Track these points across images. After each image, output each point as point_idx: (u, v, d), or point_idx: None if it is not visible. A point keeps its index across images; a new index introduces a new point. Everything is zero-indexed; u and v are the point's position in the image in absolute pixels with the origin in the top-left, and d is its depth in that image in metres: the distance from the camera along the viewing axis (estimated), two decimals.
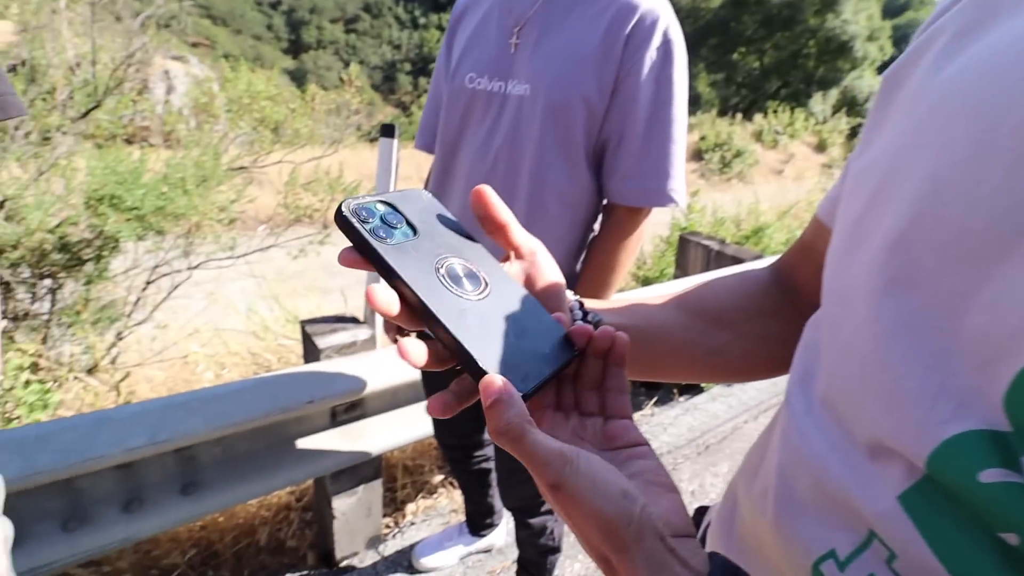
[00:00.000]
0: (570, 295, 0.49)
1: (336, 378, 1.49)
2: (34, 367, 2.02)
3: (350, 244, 0.35)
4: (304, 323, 1.65)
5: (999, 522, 0.24)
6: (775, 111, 16.40)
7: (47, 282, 2.39)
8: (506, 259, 0.44)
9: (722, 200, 4.87)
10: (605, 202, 1.18)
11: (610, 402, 0.36)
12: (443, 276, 0.35)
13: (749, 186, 10.95)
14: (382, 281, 0.35)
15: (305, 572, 1.78)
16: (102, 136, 2.99)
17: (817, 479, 0.32)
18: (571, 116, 1.04)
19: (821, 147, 16.83)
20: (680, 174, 1.09)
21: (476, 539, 1.77)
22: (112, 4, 3.26)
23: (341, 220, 0.35)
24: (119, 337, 2.41)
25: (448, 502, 2.09)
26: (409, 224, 0.37)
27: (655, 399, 2.80)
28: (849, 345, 0.32)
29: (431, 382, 1.45)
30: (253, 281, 2.60)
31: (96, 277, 2.35)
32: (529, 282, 0.43)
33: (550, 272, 0.44)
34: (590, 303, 0.52)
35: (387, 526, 2.00)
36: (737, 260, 2.92)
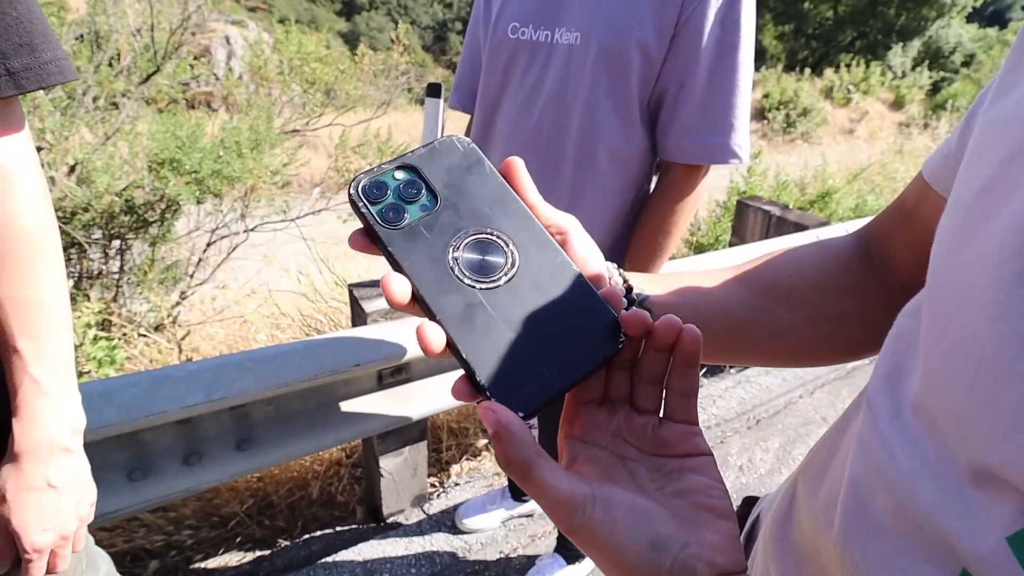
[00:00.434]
0: (612, 269, 0.44)
1: (382, 342, 1.51)
2: (106, 324, 2.15)
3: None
4: (352, 287, 1.67)
5: None
6: (848, 65, 15.24)
7: (116, 243, 2.52)
8: None
9: (785, 162, 4.60)
10: (659, 160, 1.10)
11: (672, 402, 0.31)
12: (456, 261, 0.31)
13: (815, 147, 10.31)
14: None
15: (354, 526, 1.86)
16: (163, 101, 3.08)
17: (900, 501, 0.27)
18: (626, 65, 0.95)
19: (898, 104, 15.58)
20: (744, 128, 1.00)
21: (518, 504, 1.79)
22: None
23: (350, 202, 0.32)
24: (183, 296, 2.52)
25: (492, 465, 2.12)
26: (431, 192, 0.33)
27: (705, 370, 2.72)
28: (961, 345, 0.26)
29: None
30: (305, 244, 2.65)
31: (160, 238, 2.45)
32: None
33: (586, 253, 0.39)
34: (636, 279, 0.47)
35: (432, 485, 2.05)
36: (800, 227, 2.76)
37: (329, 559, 1.67)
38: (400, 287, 0.30)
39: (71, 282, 2.34)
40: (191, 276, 2.56)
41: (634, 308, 0.32)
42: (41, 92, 2.38)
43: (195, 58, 3.13)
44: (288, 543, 1.79)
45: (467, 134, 1.29)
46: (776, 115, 11.85)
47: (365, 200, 0.32)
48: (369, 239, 0.32)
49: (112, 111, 2.65)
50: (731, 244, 3.10)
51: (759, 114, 12.18)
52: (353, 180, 0.33)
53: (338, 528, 1.85)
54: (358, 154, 2.82)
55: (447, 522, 1.81)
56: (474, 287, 0.31)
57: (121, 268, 2.46)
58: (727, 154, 0.98)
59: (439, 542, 1.74)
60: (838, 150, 8.18)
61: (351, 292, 1.66)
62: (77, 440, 0.64)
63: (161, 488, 1.30)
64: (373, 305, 1.57)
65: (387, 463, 1.75)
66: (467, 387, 0.30)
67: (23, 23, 0.54)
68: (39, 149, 2.36)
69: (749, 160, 1.10)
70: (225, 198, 2.58)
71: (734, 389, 2.61)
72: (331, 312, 2.16)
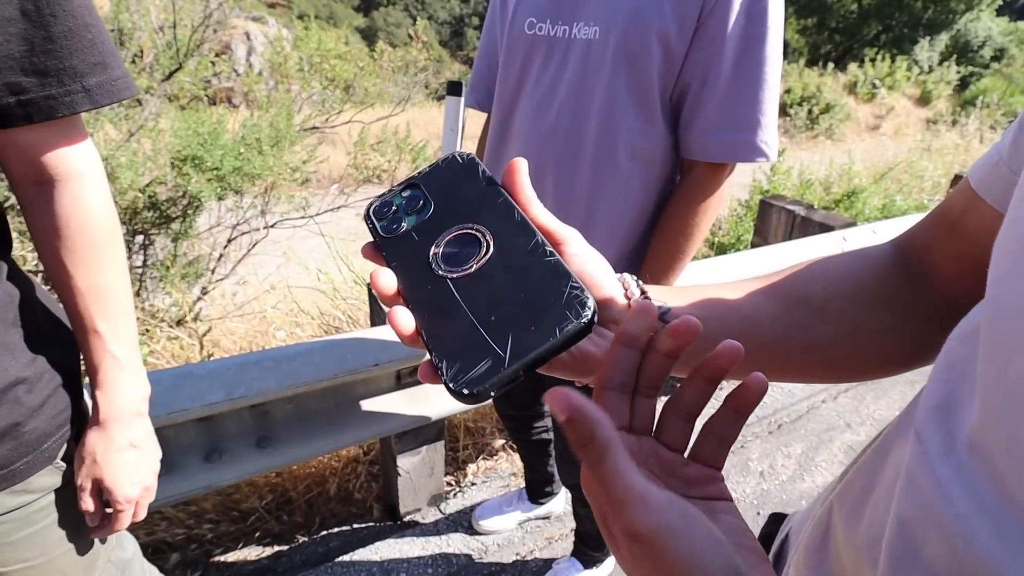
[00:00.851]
0: (629, 280, 0.42)
1: (401, 343, 1.50)
2: None
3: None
4: (371, 286, 1.67)
5: None
6: (872, 60, 14.91)
7: (139, 238, 2.55)
8: None
9: (809, 160, 4.51)
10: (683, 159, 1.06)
11: (707, 446, 0.29)
12: (435, 257, 0.34)
13: (839, 144, 10.12)
14: None
15: (371, 524, 1.86)
16: (185, 98, 3.11)
17: (955, 547, 0.25)
18: (646, 59, 0.91)
19: (924, 100, 15.20)
20: (772, 125, 0.95)
21: (535, 506, 1.78)
22: None
23: (365, 221, 0.37)
24: (204, 292, 2.55)
25: (508, 465, 2.11)
26: (428, 203, 0.36)
27: None
28: None
29: None
30: (324, 240, 2.67)
31: (183, 234, 2.47)
32: None
33: (588, 264, 0.38)
34: (655, 291, 0.45)
35: (449, 484, 2.05)
36: (826, 227, 2.70)
37: (346, 557, 1.68)
38: (386, 280, 0.33)
39: None
40: (212, 272, 2.59)
41: (685, 316, 0.30)
42: None
43: (216, 55, 3.15)
44: (306, 539, 1.81)
45: (484, 133, 1.27)
46: (798, 111, 11.65)
47: (374, 217, 0.37)
48: (375, 250, 0.36)
49: (135, 108, 2.68)
50: (753, 244, 3.04)
51: (781, 110, 11.96)
52: (369, 202, 0.38)
53: (355, 525, 1.86)
54: (377, 151, 2.82)
55: (463, 522, 1.81)
56: (445, 276, 0.33)
57: (144, 263, 2.50)
58: (753, 152, 0.94)
59: (455, 542, 1.74)
60: (863, 147, 8.01)
61: (370, 291, 1.66)
62: (147, 405, 0.75)
63: (183, 484, 1.31)
64: None
65: (404, 462, 1.75)
66: (429, 368, 0.31)
67: (96, 44, 0.60)
68: None
69: (776, 158, 1.06)
70: (245, 195, 2.60)
71: None
72: (350, 310, 2.17)
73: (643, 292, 0.43)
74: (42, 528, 0.69)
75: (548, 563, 1.68)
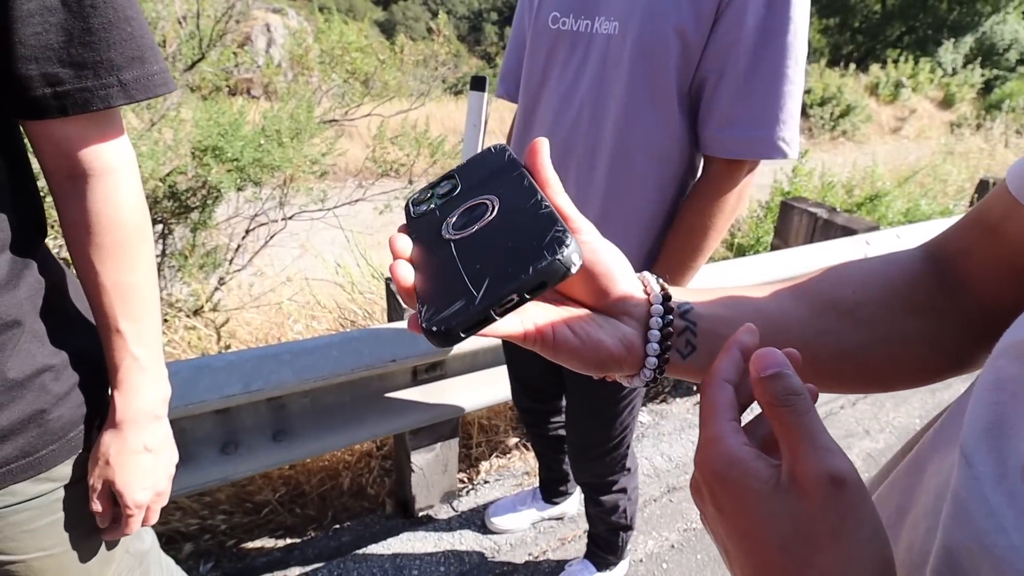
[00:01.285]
0: (649, 278, 0.41)
1: (419, 339, 1.49)
2: None
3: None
4: (389, 280, 1.65)
5: None
6: (895, 61, 14.65)
7: (159, 227, 2.56)
8: None
9: (831, 162, 4.43)
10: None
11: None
12: (447, 225, 0.36)
13: (861, 145, 9.96)
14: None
15: (383, 519, 1.86)
16: (207, 88, 3.12)
17: None
18: (663, 54, 0.89)
19: (947, 103, 14.92)
20: (793, 121, 0.91)
21: (549, 506, 1.76)
22: None
23: (405, 212, 0.40)
24: (221, 282, 2.56)
25: (522, 464, 2.09)
26: (457, 184, 0.39)
27: None
28: None
29: (511, 349, 1.41)
30: (342, 233, 2.66)
31: (201, 224, 2.48)
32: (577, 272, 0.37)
33: (604, 256, 0.38)
34: (677, 291, 0.43)
35: (461, 481, 2.04)
36: (849, 231, 2.65)
37: (358, 552, 1.67)
38: (402, 244, 0.35)
39: None
40: (229, 262, 2.59)
41: (769, 349, 0.29)
42: None
43: (239, 46, 3.15)
44: (318, 532, 1.81)
45: (511, 126, 1.26)
46: (819, 112, 11.48)
47: (411, 205, 0.40)
48: (404, 231, 0.38)
49: (157, 97, 2.69)
50: (773, 247, 3.00)
51: (801, 111, 11.78)
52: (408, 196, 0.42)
53: (367, 520, 1.85)
54: (396, 145, 2.81)
55: (476, 520, 1.80)
56: (450, 240, 0.34)
57: (163, 252, 2.51)
58: (771, 149, 0.91)
59: (468, 540, 1.73)
60: (885, 149, 7.88)
61: (388, 286, 1.65)
62: (166, 407, 0.73)
63: (198, 475, 1.31)
64: None
65: (418, 459, 1.74)
66: (414, 319, 0.32)
67: (135, 38, 0.59)
68: None
69: (798, 157, 1.02)
70: (264, 186, 2.60)
71: None
72: (367, 304, 2.16)
73: (664, 290, 0.41)
74: (63, 517, 0.69)
75: (561, 564, 1.66)
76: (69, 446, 0.67)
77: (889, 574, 0.25)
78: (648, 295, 0.41)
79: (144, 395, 0.68)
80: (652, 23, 0.89)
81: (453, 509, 1.87)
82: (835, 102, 11.72)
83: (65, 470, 0.67)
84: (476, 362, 1.66)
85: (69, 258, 0.67)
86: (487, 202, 0.35)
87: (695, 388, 2.50)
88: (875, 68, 14.71)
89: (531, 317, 0.37)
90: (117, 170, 0.62)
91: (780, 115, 0.90)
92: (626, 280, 0.39)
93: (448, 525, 1.78)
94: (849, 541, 0.25)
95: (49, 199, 0.70)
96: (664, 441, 2.23)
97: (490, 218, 0.34)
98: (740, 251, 3.14)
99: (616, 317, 0.40)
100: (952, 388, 2.44)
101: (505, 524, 1.73)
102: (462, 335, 0.30)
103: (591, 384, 1.15)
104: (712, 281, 1.94)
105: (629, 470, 1.34)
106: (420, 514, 1.85)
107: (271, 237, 2.64)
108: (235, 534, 1.78)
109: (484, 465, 2.12)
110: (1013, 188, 0.39)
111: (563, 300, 0.40)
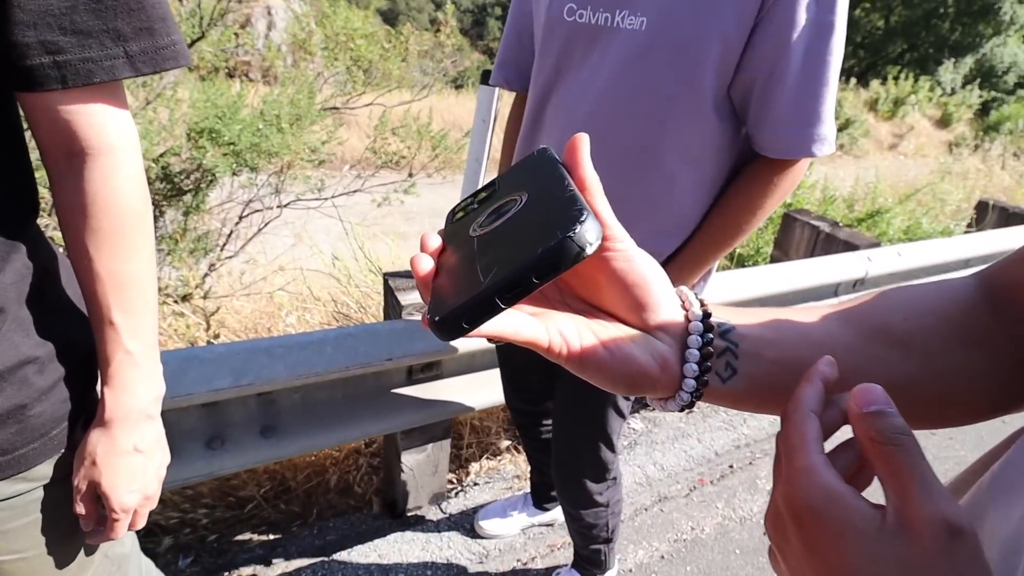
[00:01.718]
0: (688, 294, 0.39)
1: (416, 337, 1.45)
2: None
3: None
4: (387, 276, 1.61)
5: None
6: (895, 78, 14.75)
7: None
8: None
9: (832, 175, 4.43)
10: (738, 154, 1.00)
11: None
12: (478, 223, 0.34)
13: (858, 160, 10.01)
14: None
15: (370, 518, 1.82)
16: (205, 68, 3.05)
17: None
18: (701, 56, 0.86)
19: (944, 122, 15.03)
20: (832, 115, 0.92)
21: (540, 512, 1.73)
22: None
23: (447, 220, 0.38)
24: (212, 268, 2.50)
25: (513, 467, 2.06)
26: (496, 189, 0.37)
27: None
28: None
29: (505, 351, 1.37)
30: (338, 223, 2.61)
31: (194, 208, 2.42)
32: (609, 282, 0.36)
33: (640, 266, 0.35)
34: (718, 309, 0.41)
35: (451, 482, 2.00)
36: (851, 246, 2.64)
37: (343, 552, 1.63)
38: (432, 240, 0.34)
39: None
40: (221, 248, 2.53)
41: (870, 385, 0.28)
42: None
43: (240, 27, 3.08)
44: (303, 530, 1.76)
45: (513, 112, 1.22)
46: None
47: (451, 213, 0.38)
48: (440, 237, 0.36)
49: (154, 75, 2.62)
50: (773, 258, 2.98)
51: None
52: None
53: (353, 519, 1.81)
54: (397, 136, 2.76)
55: (465, 524, 1.76)
56: (474, 236, 0.33)
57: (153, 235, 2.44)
58: (822, 145, 0.91)
59: (456, 544, 1.69)
60: (883, 165, 7.91)
61: (386, 281, 1.61)
62: (159, 407, 0.69)
63: (181, 470, 1.26)
64: (409, 297, 1.51)
65: (409, 459, 1.70)
66: (427, 315, 0.30)
67: (146, 8, 0.54)
68: None
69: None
70: (260, 172, 2.54)
71: None
72: (362, 298, 2.12)
73: (704, 306, 0.39)
74: (40, 519, 0.65)
75: (549, 572, 1.63)
76: (51, 445, 0.62)
77: None
78: (686, 311, 0.38)
79: (136, 392, 0.64)
80: (691, 25, 0.85)
81: (441, 511, 1.83)
82: (835, 115, 11.76)
83: (45, 469, 0.63)
84: (473, 363, 1.63)
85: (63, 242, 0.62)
86: (516, 198, 0.34)
87: None
88: (875, 84, 14.80)
89: (557, 325, 0.35)
90: (118, 149, 0.58)
91: (827, 111, 0.90)
92: (663, 293, 0.37)
93: (436, 527, 1.75)
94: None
95: (43, 176, 0.64)
96: (657, 450, 2.21)
97: (514, 212, 0.33)
98: (740, 261, 3.12)
99: (650, 332, 0.37)
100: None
101: (494, 529, 1.70)
102: (465, 325, 0.28)
103: (581, 385, 1.12)
104: (714, 291, 1.92)
105: (614, 479, 1.29)
106: (408, 515, 1.81)
107: (265, 224, 2.58)
108: (217, 528, 1.73)
109: (474, 467, 2.09)
110: None
111: (593, 311, 0.37)
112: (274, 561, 1.65)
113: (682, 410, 0.40)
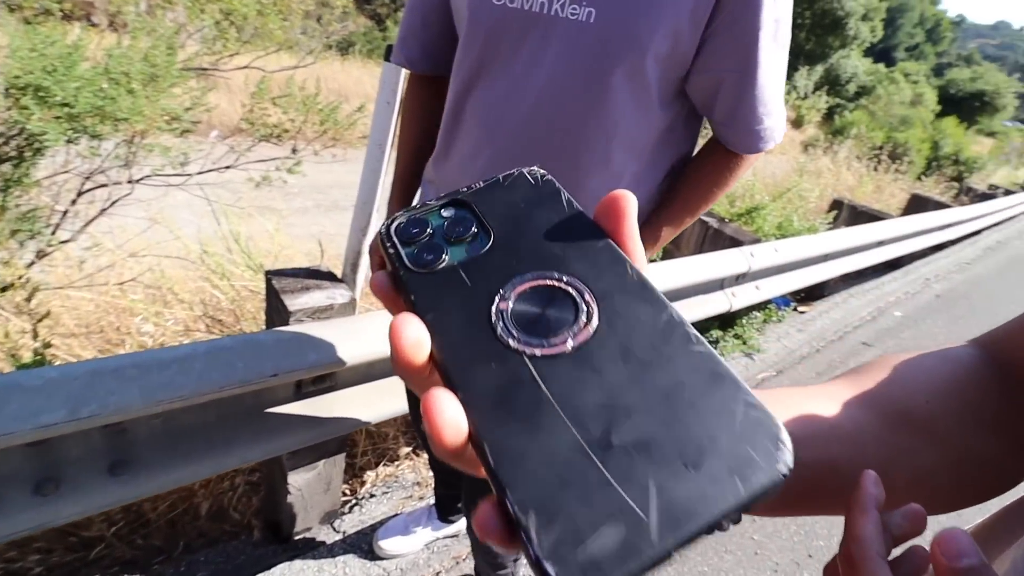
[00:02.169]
0: None
1: (307, 348, 1.27)
2: None
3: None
4: (270, 275, 1.40)
5: None
6: None
7: None
8: None
9: None
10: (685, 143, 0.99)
11: None
12: (502, 315, 0.23)
13: None
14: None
15: (251, 546, 1.61)
16: (30, 9, 2.50)
17: None
18: (651, 49, 0.80)
19: (798, 123, 16.77)
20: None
21: (445, 525, 1.63)
22: None
23: (380, 242, 0.27)
24: (41, 254, 2.07)
25: (412, 475, 1.94)
26: (484, 229, 0.26)
27: None
28: None
29: None
30: (206, 206, 2.27)
31: (16, 182, 1.98)
32: None
33: None
34: None
35: (344, 494, 1.84)
36: (736, 242, 2.78)
37: None
38: (414, 335, 0.22)
39: None
40: (53, 231, 2.10)
41: (955, 531, 0.25)
42: None
43: None
44: (166, 567, 1.51)
45: (411, 91, 1.10)
46: None
47: (397, 240, 0.26)
48: (395, 286, 0.26)
49: None
50: (666, 253, 3.08)
51: None
52: (388, 219, 0.27)
53: (230, 548, 1.59)
54: (279, 106, 2.45)
55: (362, 544, 1.62)
56: (523, 352, 0.21)
57: None
58: (780, 135, 0.93)
59: (353, 569, 1.55)
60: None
61: (269, 281, 1.39)
62: None
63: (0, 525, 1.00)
64: (298, 302, 1.32)
65: (297, 479, 1.52)
66: (497, 522, 0.19)
67: None
68: None
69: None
70: (106, 140, 2.13)
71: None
72: (238, 299, 1.84)
73: None
74: None
75: None
76: None
77: None
78: None
79: None
80: (643, 16, 0.78)
81: (335, 531, 1.67)
82: None
83: None
84: (372, 372, 1.47)
85: None
86: (568, 290, 0.23)
87: None
88: None
89: None
90: None
91: (781, 104, 0.91)
92: None
93: (329, 551, 1.58)
94: None
95: None
96: None
97: (591, 327, 0.22)
98: None
99: None
100: None
101: (396, 548, 1.57)
102: None
103: None
104: None
105: None
106: (296, 538, 1.63)
107: (112, 203, 2.18)
108: None
109: (370, 475, 1.93)
110: None
111: None
112: None
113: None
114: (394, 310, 0.25)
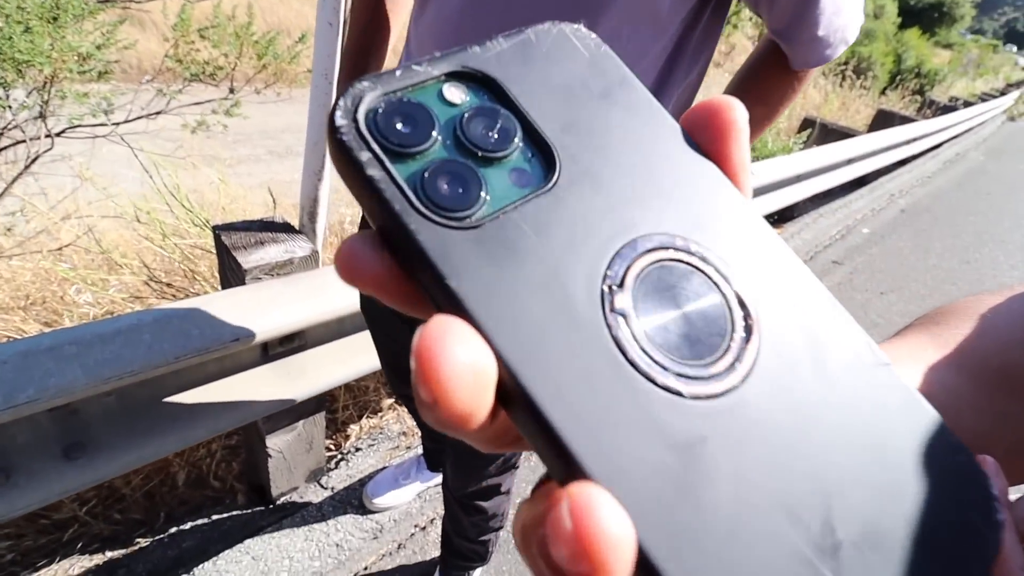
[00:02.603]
0: None
1: (269, 307, 1.17)
2: None
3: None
4: (218, 230, 1.26)
5: None
6: None
7: None
8: None
9: None
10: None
11: None
12: (625, 318, 0.13)
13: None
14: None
15: (236, 510, 1.56)
16: None
17: None
18: None
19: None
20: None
21: (435, 475, 1.60)
22: None
23: (337, 147, 0.14)
24: None
25: (398, 425, 1.89)
26: (532, 134, 0.15)
27: None
28: None
29: (379, 334, 1.14)
30: (138, 155, 2.06)
31: None
32: None
33: None
34: None
35: (329, 450, 1.79)
36: None
37: (208, 563, 1.37)
38: (467, 356, 0.12)
39: None
40: None
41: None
42: None
43: None
44: (148, 540, 1.46)
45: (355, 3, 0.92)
46: None
47: (378, 147, 0.14)
48: (385, 247, 0.14)
49: None
50: None
51: None
52: (343, 97, 0.14)
53: (214, 514, 1.54)
54: (207, 40, 2.19)
55: (352, 500, 1.58)
56: (681, 393, 0.13)
57: None
58: (851, 37, 0.80)
59: (345, 525, 1.52)
60: (718, 82, 8.40)
61: (218, 237, 1.26)
62: None
63: None
64: (252, 258, 1.20)
65: (276, 441, 1.45)
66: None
67: None
68: None
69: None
70: (12, 88, 1.88)
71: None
72: (186, 258, 1.69)
73: None
74: None
75: None
76: None
77: None
78: None
79: None
80: None
81: (323, 487, 1.63)
82: None
83: None
84: (343, 327, 1.38)
85: None
86: (711, 276, 0.15)
87: None
88: None
89: None
90: None
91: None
92: None
93: (319, 510, 1.55)
94: None
95: None
96: None
97: (755, 348, 0.14)
98: None
99: None
100: None
101: (387, 502, 1.54)
102: None
103: None
104: None
105: (515, 466, 1.15)
106: (282, 499, 1.58)
107: (32, 160, 1.95)
108: (28, 561, 1.37)
109: (354, 429, 1.88)
110: None
111: None
112: None
113: None
114: (388, 298, 0.15)
